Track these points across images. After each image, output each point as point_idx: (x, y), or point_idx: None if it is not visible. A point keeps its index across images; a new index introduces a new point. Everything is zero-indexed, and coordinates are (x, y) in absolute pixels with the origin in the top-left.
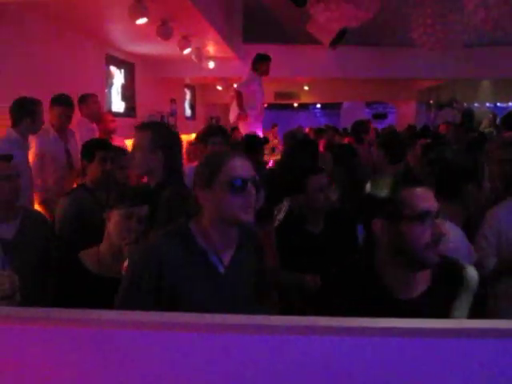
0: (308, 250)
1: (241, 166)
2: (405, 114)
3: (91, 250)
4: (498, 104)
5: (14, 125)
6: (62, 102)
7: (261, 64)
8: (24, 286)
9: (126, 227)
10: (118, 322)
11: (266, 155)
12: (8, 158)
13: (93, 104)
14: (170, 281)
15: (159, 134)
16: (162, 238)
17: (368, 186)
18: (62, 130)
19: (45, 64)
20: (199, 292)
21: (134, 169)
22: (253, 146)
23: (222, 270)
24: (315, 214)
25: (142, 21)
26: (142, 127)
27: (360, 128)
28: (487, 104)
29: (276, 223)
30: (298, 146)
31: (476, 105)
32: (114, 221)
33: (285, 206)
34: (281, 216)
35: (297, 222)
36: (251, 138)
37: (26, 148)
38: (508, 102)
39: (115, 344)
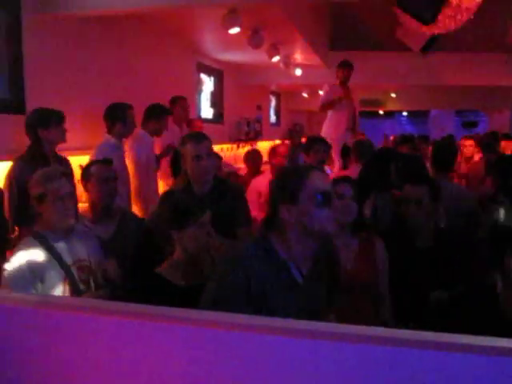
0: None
1: (322, 180)
2: (498, 124)
3: (167, 263)
4: None
5: (109, 130)
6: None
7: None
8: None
9: (199, 237)
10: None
11: None
12: (108, 161)
13: (179, 108)
14: (256, 292)
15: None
16: (246, 250)
17: (501, 213)
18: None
19: (141, 71)
20: (281, 302)
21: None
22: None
23: (300, 280)
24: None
25: (234, 30)
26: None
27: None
28: None
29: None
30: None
31: None
32: (188, 235)
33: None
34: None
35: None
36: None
37: (122, 151)
38: None
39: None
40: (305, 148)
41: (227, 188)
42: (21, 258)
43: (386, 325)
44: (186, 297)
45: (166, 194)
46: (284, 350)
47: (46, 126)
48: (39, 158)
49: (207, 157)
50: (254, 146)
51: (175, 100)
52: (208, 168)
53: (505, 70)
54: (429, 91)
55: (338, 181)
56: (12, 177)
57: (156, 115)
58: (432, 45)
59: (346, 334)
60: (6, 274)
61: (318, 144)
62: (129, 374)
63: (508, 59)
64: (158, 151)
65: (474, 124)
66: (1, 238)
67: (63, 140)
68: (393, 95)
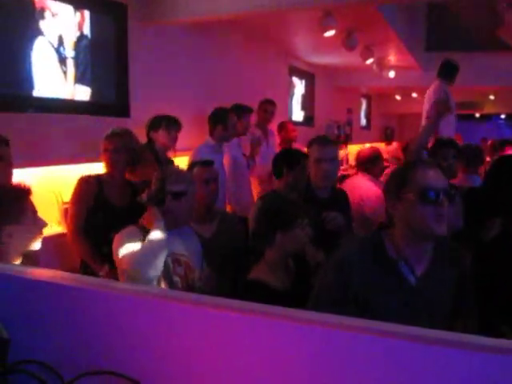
0: None
1: (432, 176)
2: None
3: (259, 267)
4: None
5: (211, 133)
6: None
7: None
8: (216, 281)
9: (300, 238)
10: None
11: None
12: (209, 163)
13: (262, 111)
14: (359, 289)
15: None
16: (353, 247)
17: None
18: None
19: (237, 75)
20: (390, 302)
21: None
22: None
23: (413, 281)
24: None
25: (330, 33)
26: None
27: None
28: None
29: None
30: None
31: None
32: (291, 234)
33: (497, 221)
34: (493, 232)
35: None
36: None
37: (221, 154)
38: None
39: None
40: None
41: (342, 195)
42: (132, 242)
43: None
44: (285, 299)
45: (270, 195)
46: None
47: (156, 129)
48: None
49: (330, 161)
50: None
51: (260, 103)
52: (329, 172)
53: None
54: None
55: None
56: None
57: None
58: None
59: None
60: (126, 254)
61: (447, 148)
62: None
63: None
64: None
65: None
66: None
67: (171, 145)
68: (491, 97)
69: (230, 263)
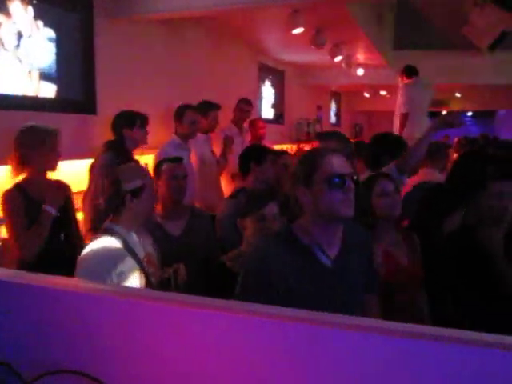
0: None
1: (338, 163)
2: None
3: (232, 253)
4: None
5: (175, 130)
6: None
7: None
8: (188, 279)
9: (261, 228)
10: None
11: None
12: (178, 159)
13: (238, 109)
14: (280, 280)
15: None
16: (266, 240)
17: None
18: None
19: (204, 72)
20: (310, 287)
21: None
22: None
23: (328, 263)
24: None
25: (298, 30)
26: None
27: None
28: None
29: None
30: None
31: None
32: (250, 227)
33: (457, 218)
34: (451, 227)
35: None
36: None
37: (187, 151)
38: None
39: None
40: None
41: None
42: (98, 247)
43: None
44: None
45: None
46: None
47: (131, 127)
48: (121, 153)
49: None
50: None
51: (237, 102)
52: None
53: None
54: (496, 91)
55: (377, 176)
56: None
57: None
58: (500, 43)
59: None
60: (82, 262)
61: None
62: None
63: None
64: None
65: None
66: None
67: (145, 142)
68: (458, 95)
69: (201, 261)
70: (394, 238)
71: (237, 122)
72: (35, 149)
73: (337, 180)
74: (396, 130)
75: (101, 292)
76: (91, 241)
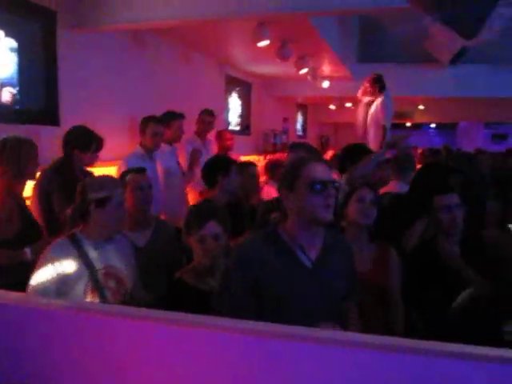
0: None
1: (320, 170)
2: None
3: (187, 268)
4: None
5: (140, 141)
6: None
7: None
8: (154, 290)
9: (204, 250)
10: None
11: None
12: (142, 170)
13: (200, 120)
14: (263, 278)
15: None
16: (250, 240)
17: None
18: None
19: (170, 83)
20: (292, 287)
21: None
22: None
23: (309, 264)
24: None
25: (263, 43)
26: None
27: None
28: None
29: (409, 248)
30: (428, 168)
31: None
32: (194, 246)
33: (417, 230)
34: (413, 241)
35: (429, 248)
36: None
37: (151, 162)
38: None
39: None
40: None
41: None
42: (48, 268)
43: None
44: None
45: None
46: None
47: (84, 151)
48: (66, 173)
49: None
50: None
51: (199, 114)
52: None
53: None
54: (457, 103)
55: (359, 185)
56: (41, 185)
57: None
58: (461, 57)
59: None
60: (31, 286)
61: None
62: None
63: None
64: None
65: (503, 137)
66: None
67: (92, 164)
68: (421, 107)
69: (166, 272)
70: (361, 245)
71: (200, 133)
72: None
73: (318, 186)
74: (372, 141)
75: (49, 306)
76: (47, 251)
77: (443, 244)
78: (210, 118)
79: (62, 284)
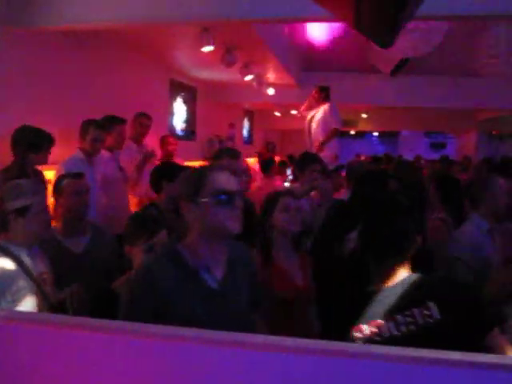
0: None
1: (225, 179)
2: (464, 145)
3: (121, 280)
4: None
5: (80, 145)
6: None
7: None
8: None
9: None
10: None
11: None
12: (79, 175)
13: (137, 124)
14: (166, 302)
15: None
16: (152, 263)
17: None
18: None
19: (112, 86)
20: (196, 309)
21: None
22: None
23: (215, 285)
24: None
25: (207, 49)
26: None
27: None
28: None
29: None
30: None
31: None
32: (138, 257)
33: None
34: (350, 245)
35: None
36: None
37: (90, 167)
38: None
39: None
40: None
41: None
42: None
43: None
44: None
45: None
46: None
47: (37, 152)
48: (21, 176)
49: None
50: None
51: (135, 117)
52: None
53: (470, 93)
54: (399, 113)
55: (283, 193)
56: None
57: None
58: (401, 68)
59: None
60: None
61: (314, 163)
62: None
63: (457, 82)
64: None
65: (442, 145)
66: None
67: (46, 163)
68: (364, 116)
69: (104, 279)
70: (290, 253)
71: (136, 137)
72: None
73: (224, 197)
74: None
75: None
76: None
77: None
78: (146, 120)
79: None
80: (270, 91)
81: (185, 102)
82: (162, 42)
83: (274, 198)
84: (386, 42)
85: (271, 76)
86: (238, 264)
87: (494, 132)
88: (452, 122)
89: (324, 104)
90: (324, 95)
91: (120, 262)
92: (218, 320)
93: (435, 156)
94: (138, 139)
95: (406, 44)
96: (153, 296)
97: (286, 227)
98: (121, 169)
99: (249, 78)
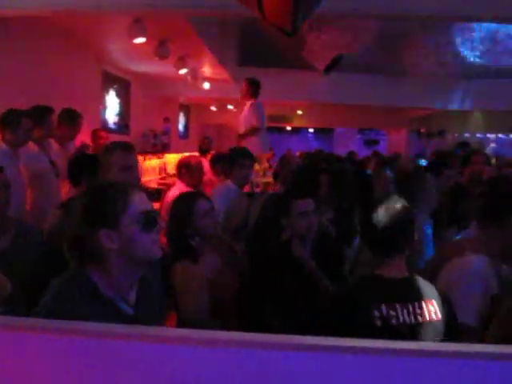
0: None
1: (143, 201)
2: (396, 142)
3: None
4: (488, 135)
5: (2, 137)
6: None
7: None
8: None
9: None
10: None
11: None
12: None
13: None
14: None
15: None
16: (60, 296)
17: None
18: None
19: (43, 78)
20: None
21: None
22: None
23: (130, 311)
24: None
25: (140, 40)
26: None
27: None
28: (478, 135)
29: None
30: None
31: (467, 135)
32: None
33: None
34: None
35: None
36: None
37: (16, 160)
38: (498, 132)
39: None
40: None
41: None
42: None
43: None
44: None
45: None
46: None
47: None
48: None
49: (135, 168)
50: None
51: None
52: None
53: (401, 92)
54: (333, 109)
55: (196, 196)
56: None
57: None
58: (335, 65)
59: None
60: None
61: (244, 158)
62: None
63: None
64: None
65: (375, 142)
66: None
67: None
68: (299, 112)
69: (32, 272)
70: (214, 257)
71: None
72: None
73: (150, 219)
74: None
75: None
76: None
77: (297, 247)
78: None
79: None
80: (206, 85)
81: (118, 94)
82: (93, 32)
83: (188, 202)
84: (291, 29)
85: (206, 70)
86: (147, 278)
87: (422, 130)
88: (384, 119)
89: (250, 100)
90: (252, 90)
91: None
92: None
93: (368, 152)
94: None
95: (339, 41)
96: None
97: (211, 232)
98: (52, 163)
99: (183, 71)
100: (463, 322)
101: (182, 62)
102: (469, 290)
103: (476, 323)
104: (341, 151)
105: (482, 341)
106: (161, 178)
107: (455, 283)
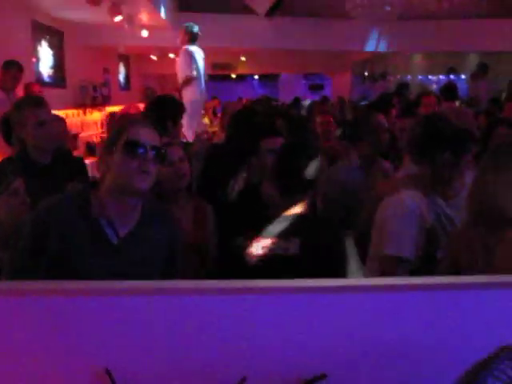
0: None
1: (141, 133)
2: (340, 86)
3: None
4: (430, 77)
5: None
6: None
7: None
8: None
9: (11, 206)
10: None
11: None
12: None
13: (8, 74)
14: (56, 244)
15: None
16: (56, 200)
17: None
18: None
19: None
20: (91, 262)
21: None
22: None
23: (115, 240)
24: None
25: None
26: None
27: None
28: (419, 77)
29: (233, 195)
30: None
31: (408, 77)
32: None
33: (242, 176)
34: (238, 187)
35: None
36: None
37: None
38: (439, 74)
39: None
40: None
41: (69, 159)
42: None
43: None
44: None
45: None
46: None
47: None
48: None
49: (50, 122)
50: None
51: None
52: (52, 135)
53: (343, 35)
54: (277, 55)
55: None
56: None
57: None
58: (276, 9)
59: None
60: None
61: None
62: None
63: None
64: None
65: (320, 87)
66: None
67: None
68: (243, 59)
69: None
70: (181, 204)
71: (7, 88)
72: None
73: (135, 147)
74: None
75: None
76: None
77: (268, 188)
78: (16, 69)
79: None
80: (144, 33)
81: (51, 46)
82: None
83: None
84: None
85: (143, 17)
86: (153, 223)
87: (366, 73)
88: (327, 63)
89: (187, 45)
90: (188, 37)
91: None
92: (113, 275)
93: (314, 97)
94: (9, 90)
95: None
96: (44, 231)
97: (174, 183)
98: None
99: (118, 18)
100: (399, 255)
101: (115, 8)
102: (403, 225)
103: (411, 256)
104: (287, 97)
105: (417, 272)
106: (103, 132)
107: (389, 219)
